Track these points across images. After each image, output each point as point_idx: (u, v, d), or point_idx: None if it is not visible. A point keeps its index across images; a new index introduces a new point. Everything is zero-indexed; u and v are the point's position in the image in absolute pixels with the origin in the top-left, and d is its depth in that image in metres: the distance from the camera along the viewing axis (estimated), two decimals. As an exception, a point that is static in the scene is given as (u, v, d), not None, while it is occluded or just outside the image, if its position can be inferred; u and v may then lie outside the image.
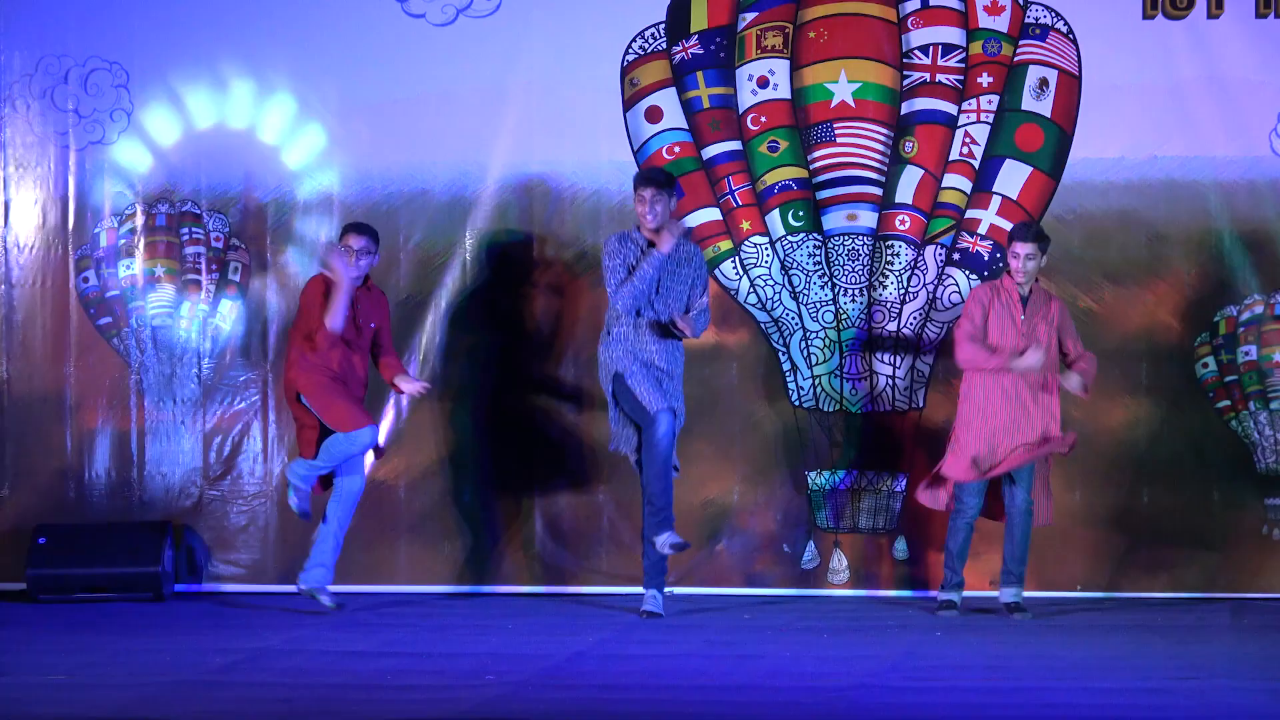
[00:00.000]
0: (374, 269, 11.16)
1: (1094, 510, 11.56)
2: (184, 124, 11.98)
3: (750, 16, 11.66)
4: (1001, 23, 11.56)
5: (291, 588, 11.23)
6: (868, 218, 11.66)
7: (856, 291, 11.67)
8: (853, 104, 11.63)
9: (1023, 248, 10.70)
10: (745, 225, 11.72)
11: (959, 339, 10.82)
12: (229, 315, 12.00)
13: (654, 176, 10.83)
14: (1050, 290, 11.05)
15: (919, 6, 11.59)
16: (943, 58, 11.59)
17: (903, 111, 11.60)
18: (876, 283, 11.66)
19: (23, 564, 11.66)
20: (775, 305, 11.71)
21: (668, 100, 11.75)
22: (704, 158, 11.73)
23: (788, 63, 11.65)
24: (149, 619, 10.98)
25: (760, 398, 11.71)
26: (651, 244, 10.68)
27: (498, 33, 11.81)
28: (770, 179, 11.68)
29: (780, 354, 11.73)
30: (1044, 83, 11.55)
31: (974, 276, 11.59)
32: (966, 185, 11.60)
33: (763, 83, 11.67)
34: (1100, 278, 11.57)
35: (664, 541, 10.55)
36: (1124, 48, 11.49)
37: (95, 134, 12.02)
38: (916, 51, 11.59)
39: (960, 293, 11.59)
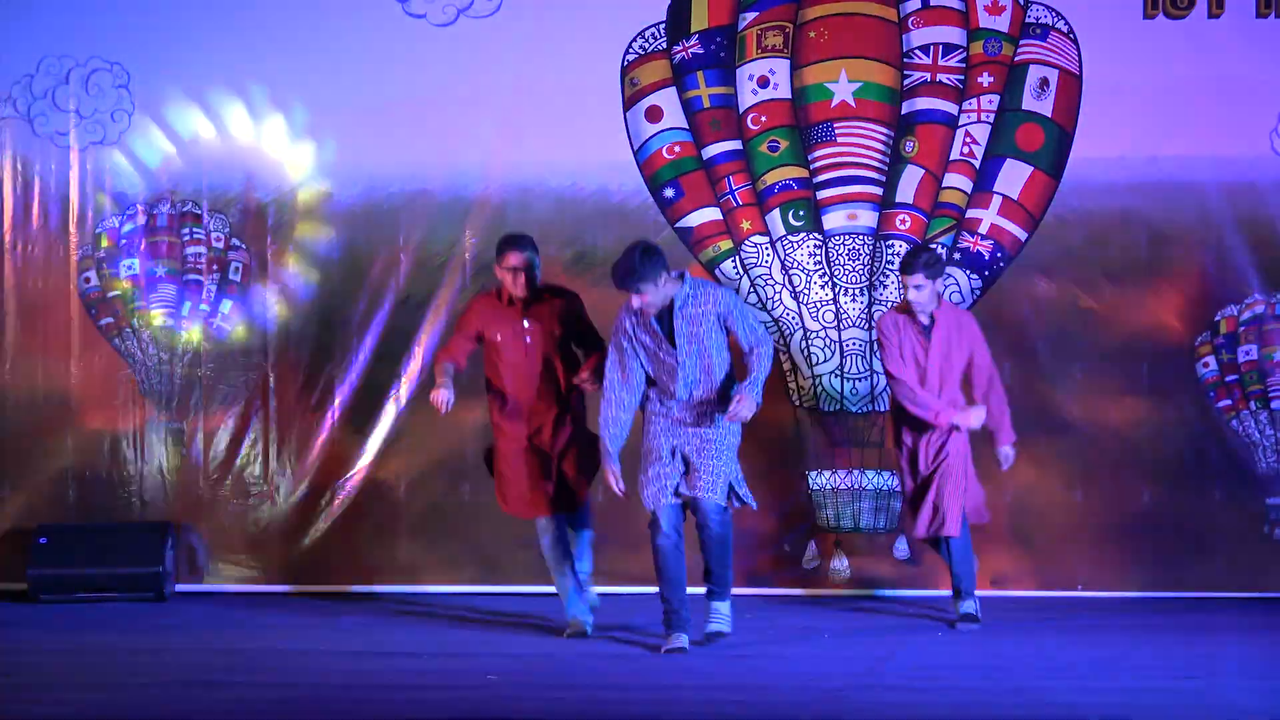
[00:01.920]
0: (373, 269, 11.15)
1: (1095, 510, 11.56)
2: (185, 124, 11.98)
3: (750, 16, 11.66)
4: (1002, 22, 11.56)
5: (292, 587, 11.24)
6: (868, 217, 11.65)
7: (857, 291, 11.67)
8: (853, 104, 11.62)
9: (910, 279, 10.27)
10: (745, 225, 11.72)
11: (901, 377, 10.36)
12: (230, 315, 12.00)
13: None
14: (958, 306, 10.76)
15: (920, 6, 11.59)
16: (943, 57, 11.59)
17: (903, 111, 11.60)
18: (877, 282, 11.66)
19: (24, 564, 11.67)
20: (775, 305, 11.71)
21: (668, 100, 11.75)
22: (704, 157, 11.73)
23: (788, 62, 11.64)
24: (150, 619, 10.98)
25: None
26: (659, 318, 9.69)
27: (498, 33, 11.81)
28: (770, 178, 11.68)
29: (780, 354, 11.72)
30: (1045, 82, 11.55)
31: (975, 276, 11.59)
32: (967, 185, 11.60)
33: (763, 82, 11.67)
34: (1101, 277, 11.57)
35: (710, 626, 9.91)
36: (1125, 47, 11.49)
37: (96, 134, 12.03)
38: (917, 51, 11.59)
39: (961, 292, 11.58)
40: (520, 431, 10.12)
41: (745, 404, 9.53)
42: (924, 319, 10.37)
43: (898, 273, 10.47)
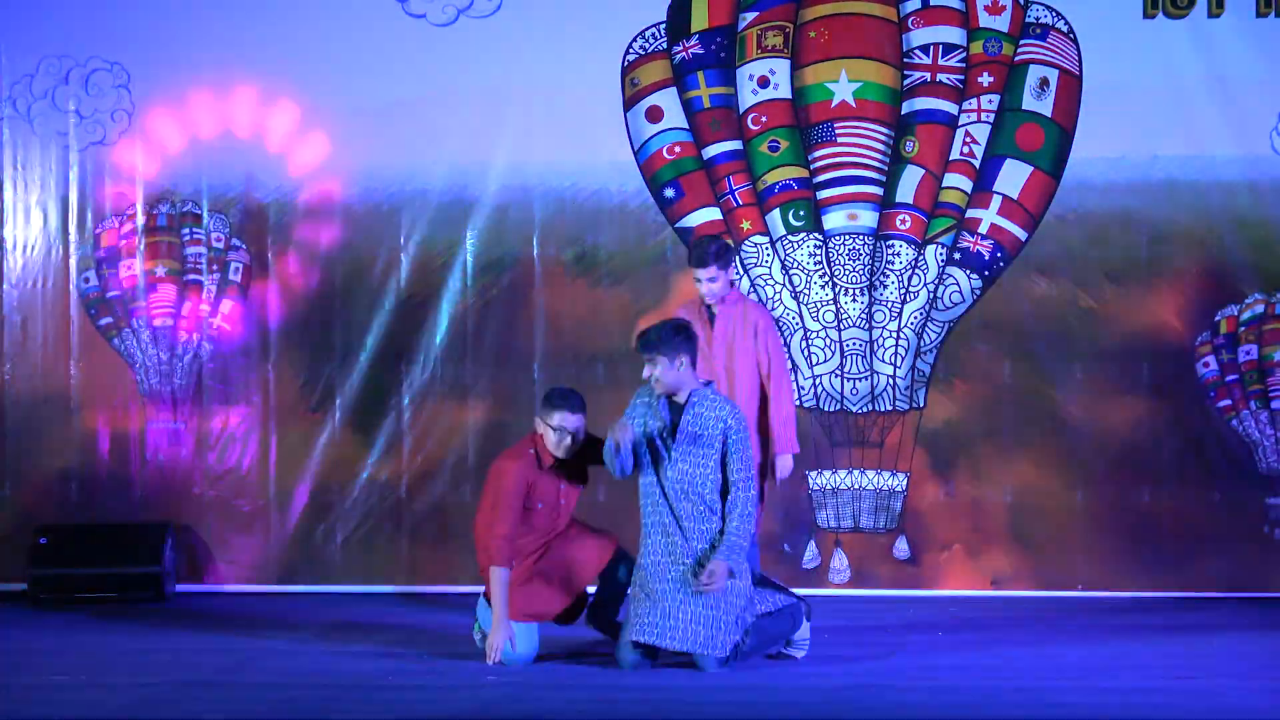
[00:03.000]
0: (374, 269, 11.14)
1: (1095, 510, 11.56)
2: (185, 124, 11.98)
3: (751, 16, 11.66)
4: (1002, 22, 11.56)
5: (292, 588, 11.24)
6: (868, 217, 11.65)
7: (857, 291, 11.67)
8: (853, 103, 11.63)
9: (703, 272, 9.87)
10: (746, 225, 11.72)
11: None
12: (230, 315, 12.00)
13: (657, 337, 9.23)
14: (748, 299, 10.33)
15: (919, 6, 11.59)
16: (943, 57, 11.59)
17: (903, 111, 11.60)
18: (877, 282, 11.66)
19: (24, 564, 11.66)
20: (776, 305, 11.71)
21: (668, 100, 11.75)
22: (704, 157, 11.73)
23: (788, 62, 11.65)
24: (150, 619, 10.97)
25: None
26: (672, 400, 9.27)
27: (498, 33, 11.81)
28: (771, 178, 11.69)
29: (781, 354, 11.72)
30: (1045, 82, 11.55)
31: (975, 276, 11.59)
32: (967, 185, 11.60)
33: (763, 82, 11.67)
34: (1101, 277, 11.58)
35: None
36: (1125, 47, 11.50)
37: (96, 134, 12.03)
38: (917, 51, 11.59)
39: (961, 292, 11.59)
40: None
41: (719, 576, 8.97)
42: (713, 310, 9.98)
43: (697, 266, 9.92)
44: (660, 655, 9.14)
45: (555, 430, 9.28)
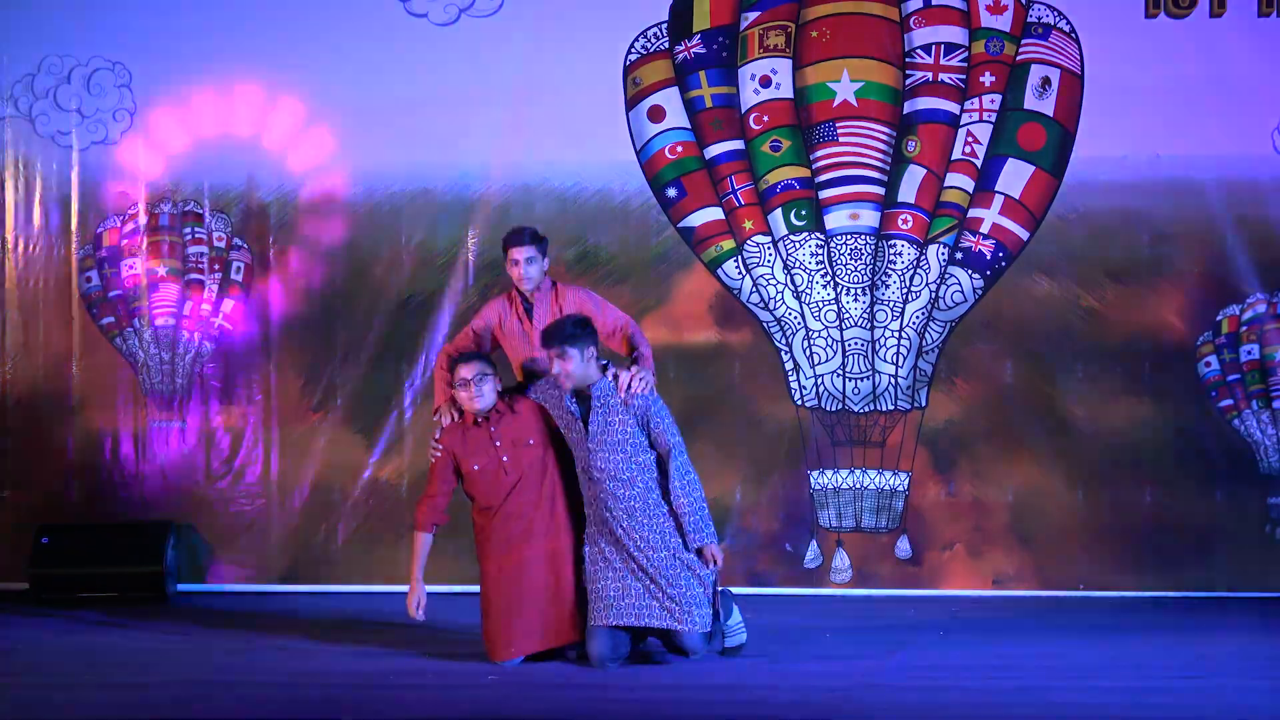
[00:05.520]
0: (375, 268, 11.10)
1: (1096, 509, 11.55)
2: (186, 124, 11.99)
3: (752, 16, 11.66)
4: (1004, 22, 11.55)
5: (293, 587, 11.25)
6: (870, 217, 11.65)
7: (859, 291, 11.67)
8: (855, 103, 11.62)
9: (519, 252, 9.55)
10: (748, 225, 11.72)
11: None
12: (232, 315, 12.00)
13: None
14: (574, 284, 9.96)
15: (921, 6, 11.58)
16: (945, 57, 11.58)
17: (905, 111, 11.60)
18: (879, 282, 11.66)
19: (25, 564, 11.67)
20: (778, 304, 11.71)
21: (670, 100, 11.75)
22: (706, 157, 11.72)
23: (790, 62, 11.64)
24: (151, 619, 10.98)
25: (763, 397, 11.71)
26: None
27: (500, 32, 11.82)
28: (773, 178, 11.68)
29: (783, 353, 11.73)
30: (1046, 82, 11.55)
31: (976, 275, 11.59)
32: (969, 184, 11.60)
33: (765, 82, 11.67)
34: (1103, 277, 11.57)
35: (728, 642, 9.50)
36: (1126, 47, 11.49)
37: (98, 134, 12.03)
38: (919, 51, 11.59)
39: (963, 291, 11.59)
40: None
41: (712, 554, 9.15)
42: (528, 297, 9.66)
43: (514, 245, 9.59)
44: (631, 648, 9.21)
45: (460, 386, 9.33)
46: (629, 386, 9.19)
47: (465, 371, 9.32)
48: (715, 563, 9.16)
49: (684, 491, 9.15)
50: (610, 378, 9.24)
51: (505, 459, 9.34)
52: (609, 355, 9.43)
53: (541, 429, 9.40)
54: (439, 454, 9.43)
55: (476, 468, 9.36)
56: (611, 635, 9.17)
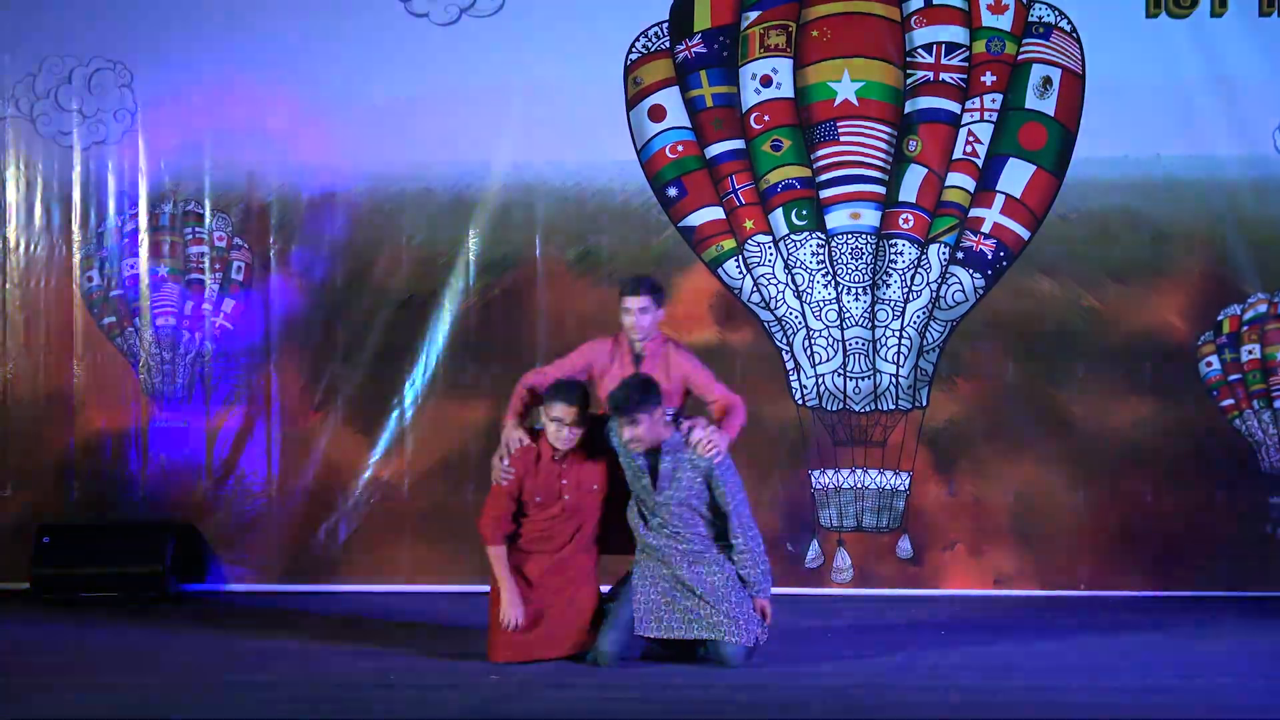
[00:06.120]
0: (376, 268, 11.09)
1: (1097, 509, 11.55)
2: (187, 124, 11.98)
3: (753, 15, 11.65)
4: (1005, 21, 11.55)
5: (294, 587, 11.25)
6: (871, 216, 11.65)
7: (860, 290, 11.67)
8: (856, 103, 11.62)
9: (633, 301, 9.51)
10: (748, 224, 11.72)
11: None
12: (232, 314, 12.00)
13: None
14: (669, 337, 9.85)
15: (922, 5, 11.58)
16: (946, 56, 11.58)
17: (906, 110, 11.59)
18: (880, 281, 11.66)
19: (27, 563, 11.67)
20: (778, 304, 11.71)
21: (671, 99, 11.75)
22: (707, 156, 11.72)
23: (791, 61, 11.64)
24: (152, 619, 10.98)
25: (763, 397, 11.69)
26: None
27: (501, 32, 11.81)
28: (773, 178, 11.68)
29: (784, 353, 11.73)
30: (1047, 81, 11.54)
31: (977, 275, 11.59)
32: (970, 184, 11.60)
33: (766, 81, 11.66)
34: (1104, 276, 11.57)
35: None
36: (1127, 46, 11.49)
37: (99, 134, 12.03)
38: (920, 50, 11.59)
39: (964, 291, 11.59)
40: None
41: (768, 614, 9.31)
42: (638, 348, 9.62)
43: (629, 295, 9.55)
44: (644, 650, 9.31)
45: (553, 421, 9.31)
46: (696, 446, 9.21)
47: (564, 414, 9.27)
48: (765, 618, 9.25)
49: (746, 553, 9.24)
50: (684, 432, 9.27)
51: (566, 498, 9.40)
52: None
53: (606, 474, 9.43)
54: (510, 478, 9.40)
55: (538, 499, 9.41)
56: (629, 639, 9.23)
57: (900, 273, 11.64)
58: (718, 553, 9.27)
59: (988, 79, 11.56)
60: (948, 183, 11.60)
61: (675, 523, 9.25)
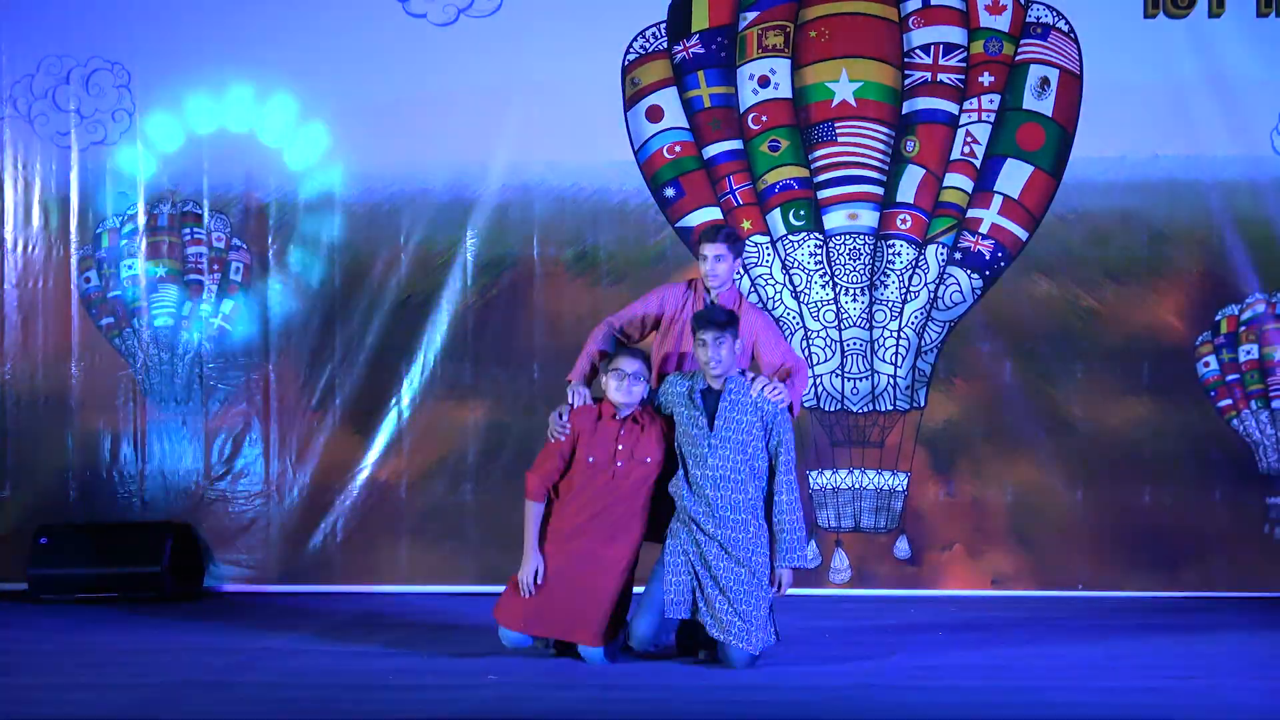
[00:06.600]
0: (374, 268, 11.06)
1: (1095, 509, 11.56)
2: (186, 124, 11.98)
3: (751, 16, 11.66)
4: (1003, 22, 11.56)
5: (292, 587, 11.24)
6: (869, 217, 11.65)
7: (858, 291, 11.67)
8: (854, 103, 11.62)
9: (711, 248, 9.51)
10: (746, 224, 11.72)
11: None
12: (231, 315, 12.00)
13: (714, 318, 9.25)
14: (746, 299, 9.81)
15: (920, 6, 11.59)
16: (944, 57, 11.59)
17: (904, 111, 11.60)
18: (878, 282, 11.66)
19: (25, 564, 11.66)
20: (776, 304, 11.71)
21: (669, 100, 11.75)
22: (705, 157, 11.73)
23: (789, 62, 11.64)
24: (150, 619, 10.97)
25: (762, 397, 11.70)
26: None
27: (499, 32, 11.81)
28: (771, 178, 11.69)
29: (782, 353, 11.72)
30: (1045, 82, 11.55)
31: (975, 276, 11.60)
32: (968, 184, 11.60)
33: (764, 82, 11.67)
34: (1102, 277, 11.58)
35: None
36: (1125, 47, 11.50)
37: (97, 134, 12.03)
38: (918, 51, 11.59)
39: (961, 292, 11.59)
40: None
41: (787, 584, 9.28)
42: (713, 296, 9.60)
43: (707, 241, 9.54)
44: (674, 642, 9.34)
45: (614, 374, 9.27)
46: (763, 390, 9.17)
47: (627, 365, 9.27)
48: (780, 589, 9.22)
49: (788, 509, 9.22)
50: (749, 379, 9.23)
51: (619, 464, 9.30)
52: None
53: (661, 450, 9.33)
54: (565, 433, 9.36)
55: (591, 460, 9.30)
56: (661, 621, 9.24)
57: (898, 273, 11.64)
58: (752, 535, 9.16)
59: (985, 79, 11.57)
60: (945, 183, 11.61)
61: (721, 478, 9.09)
